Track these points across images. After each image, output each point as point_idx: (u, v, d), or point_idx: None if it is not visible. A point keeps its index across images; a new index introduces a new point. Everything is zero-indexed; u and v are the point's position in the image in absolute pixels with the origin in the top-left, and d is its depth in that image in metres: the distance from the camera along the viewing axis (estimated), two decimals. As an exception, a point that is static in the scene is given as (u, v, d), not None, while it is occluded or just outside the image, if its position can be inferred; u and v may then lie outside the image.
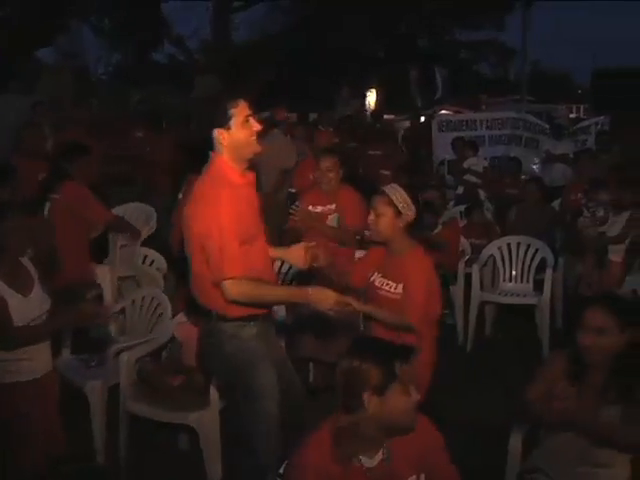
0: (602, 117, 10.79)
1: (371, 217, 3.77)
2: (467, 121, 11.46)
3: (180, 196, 6.71)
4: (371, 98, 25.68)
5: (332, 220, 5.26)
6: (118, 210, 6.92)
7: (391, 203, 3.70)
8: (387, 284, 3.78)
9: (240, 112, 3.26)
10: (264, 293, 3.27)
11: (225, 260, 3.15)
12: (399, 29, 24.68)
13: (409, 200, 3.72)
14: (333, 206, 5.30)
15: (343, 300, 3.22)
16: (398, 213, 3.70)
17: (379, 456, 2.51)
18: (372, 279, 3.86)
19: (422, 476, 2.55)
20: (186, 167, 6.87)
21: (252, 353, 3.33)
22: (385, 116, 15.67)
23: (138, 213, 7.22)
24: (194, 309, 4.32)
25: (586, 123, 10.87)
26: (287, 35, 21.21)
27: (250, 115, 3.30)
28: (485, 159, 10.46)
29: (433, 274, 3.77)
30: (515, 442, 3.41)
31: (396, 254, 3.77)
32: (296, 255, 3.62)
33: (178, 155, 10.08)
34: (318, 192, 5.44)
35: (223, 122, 3.25)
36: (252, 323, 3.34)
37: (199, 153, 6.71)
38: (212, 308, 3.35)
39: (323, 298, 3.19)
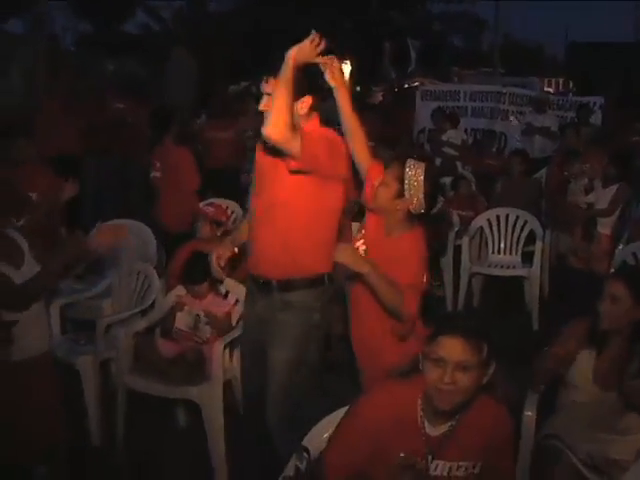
0: (599, 97, 10.77)
1: (378, 179, 3.26)
2: (450, 92, 11.49)
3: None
4: (345, 70, 25.50)
5: None
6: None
7: (400, 179, 3.15)
8: (359, 239, 3.38)
9: None
10: None
11: None
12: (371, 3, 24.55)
13: (421, 190, 3.13)
14: None
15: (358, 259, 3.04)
16: (400, 194, 3.15)
17: (443, 428, 2.44)
18: (356, 244, 3.38)
19: (478, 466, 2.47)
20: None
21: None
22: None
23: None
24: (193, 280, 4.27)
25: (584, 100, 10.85)
26: (256, 10, 20.93)
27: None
28: (465, 130, 10.47)
29: (423, 250, 3.23)
30: (530, 410, 3.40)
31: (387, 232, 3.26)
32: None
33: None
34: None
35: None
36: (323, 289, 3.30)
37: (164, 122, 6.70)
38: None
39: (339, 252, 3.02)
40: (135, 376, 4.14)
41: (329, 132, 3.22)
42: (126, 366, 4.19)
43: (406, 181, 3.13)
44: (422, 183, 3.13)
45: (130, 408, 4.25)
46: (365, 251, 3.31)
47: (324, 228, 3.27)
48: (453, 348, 2.33)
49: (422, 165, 3.18)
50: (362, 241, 3.35)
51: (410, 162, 3.17)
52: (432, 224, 6.17)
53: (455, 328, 2.37)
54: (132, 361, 4.22)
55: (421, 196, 3.13)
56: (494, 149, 10.39)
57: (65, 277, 4.41)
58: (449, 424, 2.43)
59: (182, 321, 4.33)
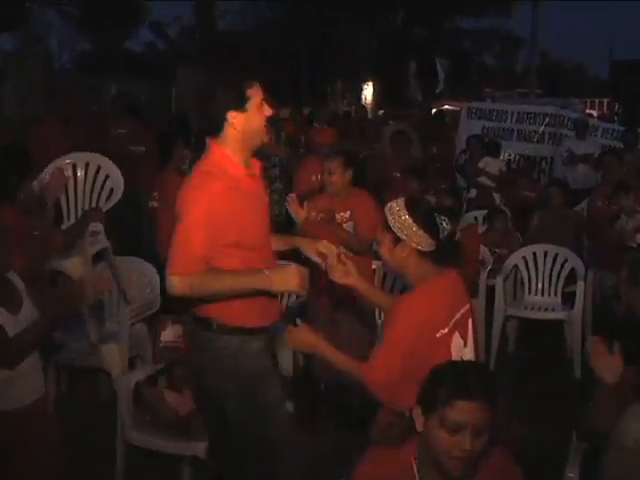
0: None
1: (375, 243, 3.45)
2: (497, 111, 11.67)
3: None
4: (367, 92, 25.74)
5: (348, 229, 5.23)
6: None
7: (387, 227, 3.22)
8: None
9: (257, 93, 3.24)
10: (212, 283, 3.16)
11: (181, 253, 3.12)
12: (395, 18, 24.81)
13: (413, 224, 3.15)
14: (347, 214, 5.27)
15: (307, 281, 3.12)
16: (397, 240, 3.18)
17: None
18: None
19: None
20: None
21: (261, 368, 3.34)
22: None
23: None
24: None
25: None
26: (276, 26, 21.26)
27: (264, 98, 3.27)
28: (509, 156, 10.55)
29: (420, 312, 3.13)
30: (572, 472, 3.41)
31: (408, 289, 3.29)
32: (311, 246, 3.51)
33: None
34: (328, 198, 5.42)
35: (238, 104, 3.20)
36: (260, 335, 3.33)
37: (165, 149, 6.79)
38: (211, 316, 3.30)
39: (283, 281, 3.12)
40: (136, 430, 4.17)
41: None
42: (127, 418, 4.22)
43: (393, 225, 3.18)
44: (410, 218, 3.16)
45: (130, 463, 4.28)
46: None
47: None
48: (472, 413, 2.33)
49: (401, 201, 3.23)
50: None
51: (388, 206, 3.25)
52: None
53: (472, 391, 2.36)
54: (134, 413, 4.26)
55: (418, 230, 3.15)
56: (537, 176, 10.42)
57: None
58: None
59: None
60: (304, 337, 3.21)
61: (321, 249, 3.41)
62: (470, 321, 3.30)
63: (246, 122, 3.22)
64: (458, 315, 3.23)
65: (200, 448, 3.98)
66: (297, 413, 5.25)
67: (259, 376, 3.33)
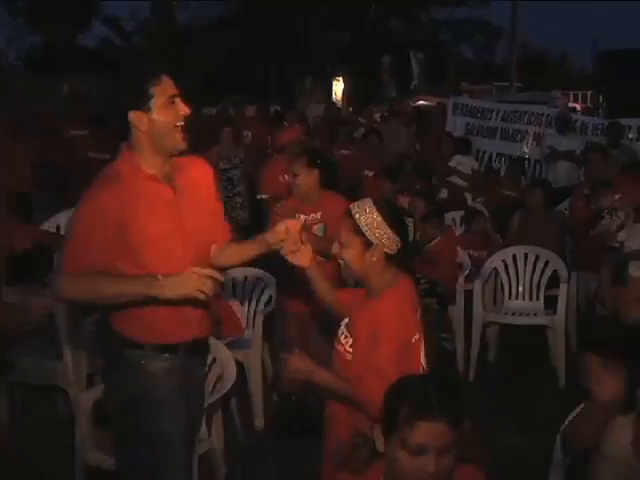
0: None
1: (335, 246, 3.32)
2: (483, 109, 11.96)
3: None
4: (338, 88, 25.83)
5: (318, 231, 5.28)
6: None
7: (359, 232, 3.21)
8: (346, 336, 3.33)
9: (163, 91, 3.13)
10: (100, 285, 3.05)
11: (68, 253, 3.09)
12: (368, 9, 24.90)
13: (386, 226, 3.20)
14: (318, 215, 5.32)
15: (209, 284, 2.94)
16: (369, 244, 3.21)
17: None
18: (341, 325, 3.42)
19: None
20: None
21: (160, 392, 3.25)
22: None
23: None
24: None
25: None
26: (241, 19, 21.26)
27: (176, 95, 3.16)
28: (490, 156, 10.70)
29: (401, 326, 3.20)
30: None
31: (369, 295, 3.30)
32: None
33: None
34: (296, 200, 5.47)
35: (139, 103, 3.11)
36: (166, 355, 3.24)
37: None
38: (115, 327, 3.24)
39: (176, 286, 2.94)
40: (96, 452, 4.17)
41: None
42: (87, 440, 4.23)
43: (365, 228, 3.19)
44: (380, 218, 3.19)
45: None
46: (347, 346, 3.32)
47: None
48: (435, 434, 2.29)
49: (368, 202, 3.26)
50: (346, 320, 3.38)
51: (355, 207, 3.25)
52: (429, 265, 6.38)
53: (435, 410, 2.30)
54: (93, 434, 4.26)
55: (388, 232, 3.19)
56: (524, 178, 10.57)
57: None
58: None
59: None
60: (301, 365, 3.20)
61: (284, 229, 3.25)
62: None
63: (150, 122, 3.11)
64: (419, 320, 3.31)
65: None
66: (270, 427, 5.34)
67: (154, 401, 3.23)
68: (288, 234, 3.23)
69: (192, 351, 3.31)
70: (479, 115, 11.88)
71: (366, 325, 3.19)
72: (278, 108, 15.43)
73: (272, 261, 3.62)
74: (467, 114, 11.95)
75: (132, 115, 3.11)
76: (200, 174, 3.37)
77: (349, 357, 3.25)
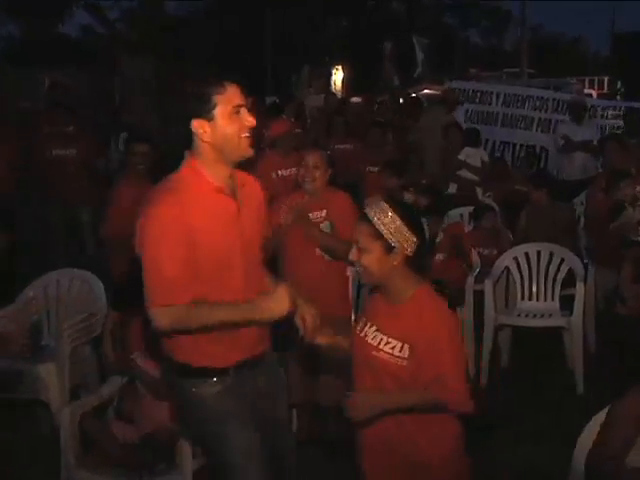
0: None
1: (353, 252, 3.35)
2: (482, 92, 11.82)
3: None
4: (337, 77, 25.81)
5: (324, 229, 5.28)
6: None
7: (378, 236, 3.26)
8: (387, 342, 3.35)
9: (228, 99, 3.17)
10: (201, 314, 3.16)
11: (157, 283, 3.12)
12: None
13: (405, 227, 3.26)
14: (323, 213, 5.30)
15: (304, 309, 3.25)
16: (389, 248, 3.27)
17: None
18: (363, 332, 3.47)
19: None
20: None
21: (217, 414, 3.33)
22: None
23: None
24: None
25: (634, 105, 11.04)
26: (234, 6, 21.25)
27: (242, 105, 3.21)
28: (493, 144, 10.65)
29: (452, 320, 3.38)
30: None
31: (393, 300, 3.38)
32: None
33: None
34: (302, 195, 5.45)
35: (202, 111, 3.16)
36: (215, 379, 3.32)
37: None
38: (170, 353, 3.35)
39: (280, 305, 3.16)
40: (83, 470, 4.18)
41: None
42: (72, 455, 4.23)
43: (386, 232, 3.24)
44: (401, 222, 3.25)
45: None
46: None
47: None
48: None
49: (384, 204, 3.31)
50: (369, 325, 3.46)
51: (371, 211, 3.29)
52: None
53: None
54: (79, 450, 4.27)
55: (407, 233, 3.26)
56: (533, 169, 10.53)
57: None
58: None
59: None
60: (365, 404, 3.24)
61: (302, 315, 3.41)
62: None
63: (213, 133, 3.17)
64: None
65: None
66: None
67: (215, 425, 3.33)
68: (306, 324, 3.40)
69: (245, 368, 3.38)
70: (478, 100, 11.77)
71: (422, 324, 3.25)
72: (276, 100, 15.41)
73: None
74: (466, 100, 11.78)
75: (194, 124, 3.17)
76: (256, 191, 3.49)
77: (403, 362, 3.27)
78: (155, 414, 4.29)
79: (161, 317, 3.12)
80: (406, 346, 3.25)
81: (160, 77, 14.23)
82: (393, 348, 3.29)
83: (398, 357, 3.27)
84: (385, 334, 3.34)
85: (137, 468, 4.12)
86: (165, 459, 4.15)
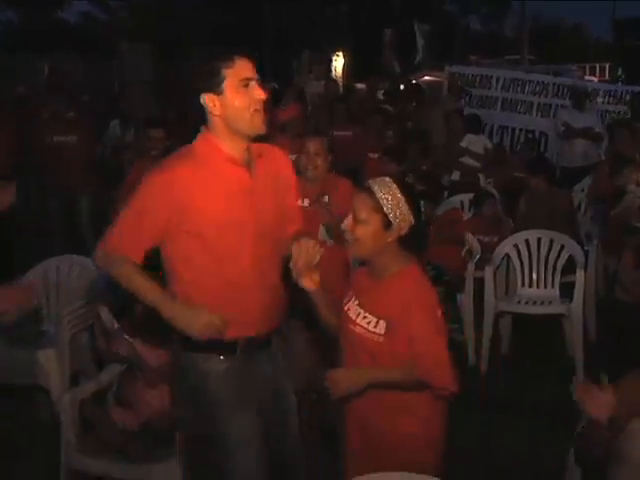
0: None
1: (348, 221, 3.32)
2: (481, 76, 11.79)
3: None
4: (338, 64, 25.73)
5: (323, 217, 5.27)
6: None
7: (379, 209, 3.26)
8: (364, 317, 3.36)
9: (236, 73, 3.16)
10: (126, 276, 3.22)
11: (116, 229, 3.22)
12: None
13: (406, 206, 3.27)
14: (325, 199, 5.30)
15: (216, 327, 3.14)
16: (387, 224, 3.27)
17: None
18: (347, 305, 3.47)
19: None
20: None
21: (220, 393, 3.30)
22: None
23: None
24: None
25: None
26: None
27: (251, 78, 3.20)
28: (492, 128, 10.64)
29: (428, 296, 3.35)
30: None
31: (377, 276, 3.38)
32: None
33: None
34: (303, 182, 5.42)
35: (211, 85, 3.16)
36: (221, 356, 3.29)
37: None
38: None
39: (185, 321, 3.15)
40: (82, 454, 4.19)
41: None
42: (72, 442, 4.23)
43: (388, 205, 3.24)
44: (404, 201, 3.26)
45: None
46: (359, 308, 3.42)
47: None
48: None
49: (389, 180, 3.31)
50: (354, 299, 3.45)
51: (375, 185, 3.29)
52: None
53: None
54: (79, 437, 4.27)
55: (407, 213, 3.27)
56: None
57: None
58: None
59: None
60: (345, 380, 3.22)
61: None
62: None
63: (223, 106, 3.17)
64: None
65: (146, 471, 4.02)
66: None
67: (215, 403, 3.29)
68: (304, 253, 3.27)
69: (253, 348, 3.36)
70: (477, 84, 11.75)
71: (397, 300, 3.24)
72: (275, 86, 15.37)
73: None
74: (465, 84, 11.78)
75: (205, 98, 3.18)
76: (279, 164, 3.45)
77: (379, 338, 3.26)
78: (154, 401, 4.29)
79: (99, 259, 3.27)
80: (382, 322, 3.25)
81: (159, 63, 14.21)
82: (369, 323, 3.30)
83: (373, 333, 3.27)
84: (363, 308, 3.35)
85: (137, 454, 4.13)
86: (165, 445, 4.14)
